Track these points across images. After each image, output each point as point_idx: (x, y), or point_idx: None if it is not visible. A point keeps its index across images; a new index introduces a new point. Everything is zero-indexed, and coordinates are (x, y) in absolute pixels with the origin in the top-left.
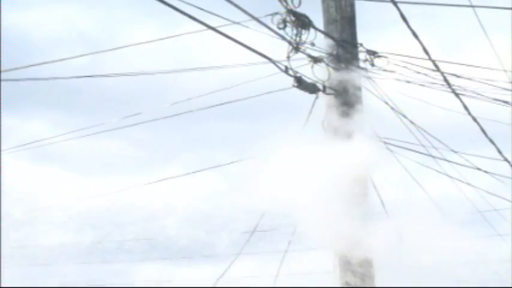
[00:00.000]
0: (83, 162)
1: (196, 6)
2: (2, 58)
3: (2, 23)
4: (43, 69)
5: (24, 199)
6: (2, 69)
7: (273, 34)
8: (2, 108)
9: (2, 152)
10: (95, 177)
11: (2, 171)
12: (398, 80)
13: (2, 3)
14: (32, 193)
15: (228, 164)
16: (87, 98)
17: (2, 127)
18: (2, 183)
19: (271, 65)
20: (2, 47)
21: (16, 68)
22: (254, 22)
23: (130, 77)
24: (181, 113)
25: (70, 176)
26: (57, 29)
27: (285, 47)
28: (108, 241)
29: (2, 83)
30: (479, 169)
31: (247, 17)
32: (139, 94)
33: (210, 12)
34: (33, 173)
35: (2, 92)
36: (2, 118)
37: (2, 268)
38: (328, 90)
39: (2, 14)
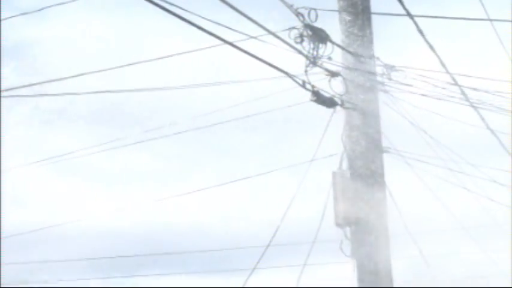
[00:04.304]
0: (109, 176)
1: (213, 21)
2: (28, 71)
3: (25, 34)
4: (69, 83)
5: (50, 212)
6: (30, 83)
7: (290, 48)
8: (22, 121)
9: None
10: (121, 191)
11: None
12: (415, 93)
13: (25, 16)
14: (58, 206)
15: (256, 175)
16: (112, 111)
17: (28, 140)
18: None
19: (289, 79)
20: (27, 59)
21: (37, 83)
22: (271, 36)
23: (155, 91)
24: (203, 127)
25: (96, 189)
26: (82, 42)
27: (302, 61)
28: (132, 255)
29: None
30: None
31: (264, 32)
32: (163, 107)
33: (226, 27)
34: (59, 186)
35: (28, 106)
36: (26, 131)
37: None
38: (345, 104)
39: (26, 24)
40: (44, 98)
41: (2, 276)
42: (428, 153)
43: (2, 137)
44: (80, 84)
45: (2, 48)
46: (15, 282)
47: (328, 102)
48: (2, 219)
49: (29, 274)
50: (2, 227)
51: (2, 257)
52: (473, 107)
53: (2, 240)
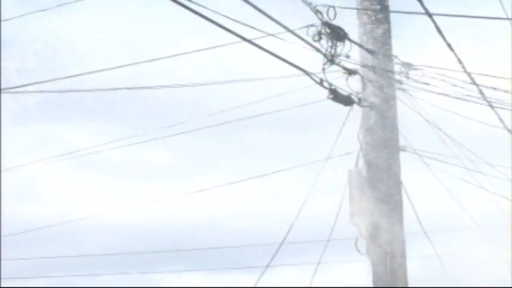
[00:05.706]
0: (125, 172)
1: (231, 18)
2: (45, 67)
3: (43, 30)
4: (87, 79)
5: (67, 207)
6: (51, 78)
7: (308, 46)
8: (40, 117)
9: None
10: (137, 187)
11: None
12: (433, 92)
13: (46, 10)
14: (75, 201)
15: (272, 173)
16: (130, 108)
17: (46, 136)
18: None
19: (306, 77)
20: (45, 55)
21: (55, 79)
22: (289, 34)
23: (172, 88)
24: (220, 124)
25: (113, 185)
26: (100, 39)
27: (320, 59)
28: (147, 252)
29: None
30: None
31: (282, 29)
32: (180, 104)
33: (245, 24)
34: (76, 182)
35: (45, 102)
36: (44, 127)
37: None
38: (362, 103)
39: (44, 20)
40: (61, 94)
41: (15, 270)
42: (445, 152)
43: (4, 135)
44: (98, 80)
45: (11, 45)
46: (30, 276)
47: (346, 100)
48: (12, 214)
49: (43, 269)
50: (13, 223)
51: (9, 252)
52: (491, 106)
53: (18, 234)
